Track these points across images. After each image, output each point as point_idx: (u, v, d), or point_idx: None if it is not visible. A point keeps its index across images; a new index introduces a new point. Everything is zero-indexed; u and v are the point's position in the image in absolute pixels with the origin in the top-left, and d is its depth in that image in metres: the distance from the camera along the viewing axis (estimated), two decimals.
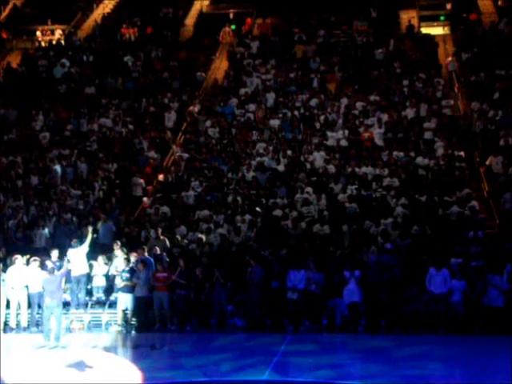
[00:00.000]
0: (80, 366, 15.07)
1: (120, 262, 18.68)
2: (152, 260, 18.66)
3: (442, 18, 34.60)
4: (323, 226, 19.92)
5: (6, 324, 18.40)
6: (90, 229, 19.19)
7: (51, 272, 17.17)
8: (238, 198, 21.68)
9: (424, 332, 16.90)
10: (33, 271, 18.10)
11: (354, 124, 25.38)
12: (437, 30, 33.79)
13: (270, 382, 13.93)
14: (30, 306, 18.38)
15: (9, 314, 18.42)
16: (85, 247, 18.76)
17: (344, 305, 17.39)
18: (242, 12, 35.79)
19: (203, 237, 19.67)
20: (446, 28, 33.88)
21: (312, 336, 17.25)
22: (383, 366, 14.67)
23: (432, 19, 34.65)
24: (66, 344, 16.79)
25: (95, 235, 19.99)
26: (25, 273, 18.23)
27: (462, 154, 23.37)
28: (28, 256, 18.54)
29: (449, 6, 35.15)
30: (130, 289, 18.09)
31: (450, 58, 29.58)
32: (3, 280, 18.21)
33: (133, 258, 18.66)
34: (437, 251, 17.96)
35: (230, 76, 30.16)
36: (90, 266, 19.00)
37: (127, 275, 18.12)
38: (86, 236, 19.00)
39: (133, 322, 18.22)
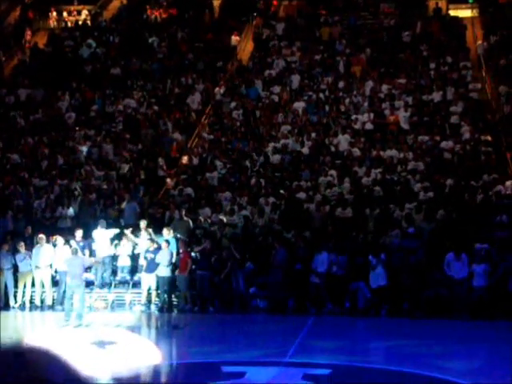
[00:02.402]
0: (101, 344, 15.20)
1: (144, 241, 18.76)
2: (174, 241, 18.73)
3: (470, 0, 34.17)
4: (345, 209, 19.84)
5: (31, 302, 18.62)
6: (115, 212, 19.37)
7: (74, 253, 17.32)
8: (261, 180, 21.67)
9: (447, 317, 16.82)
10: (59, 250, 18.25)
11: (380, 107, 25.21)
12: (465, 13, 33.38)
13: (291, 363, 13.96)
14: (56, 284, 18.57)
15: (34, 292, 18.62)
16: (110, 233, 18.87)
17: (366, 288, 17.36)
18: None
19: (224, 218, 19.71)
20: (474, 10, 33.45)
21: (334, 319, 17.25)
22: (406, 350, 14.64)
23: (460, 1, 34.23)
24: (89, 323, 16.93)
25: (120, 216, 20.21)
26: (49, 252, 18.41)
27: (489, 138, 23.13)
28: (53, 236, 18.73)
29: None
30: (153, 269, 18.17)
31: (480, 42, 29.24)
32: (25, 259, 18.43)
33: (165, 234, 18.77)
34: (458, 236, 17.83)
35: (255, 58, 30.07)
36: (115, 246, 19.12)
37: (151, 255, 18.20)
38: (110, 217, 19.12)
39: (156, 302, 18.33)
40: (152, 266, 18.12)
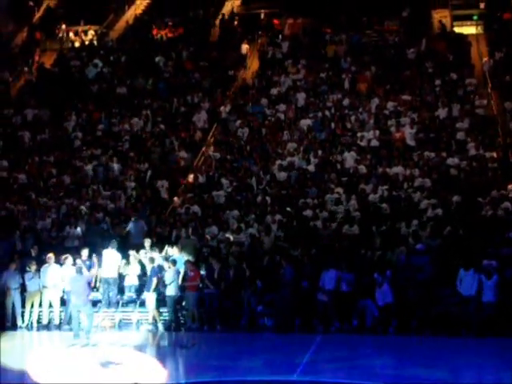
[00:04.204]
0: (108, 364, 15.16)
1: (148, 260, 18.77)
2: (182, 259, 18.71)
3: (475, 17, 34.28)
4: (352, 226, 19.81)
5: (38, 322, 18.60)
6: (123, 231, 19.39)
7: (79, 271, 17.30)
8: (267, 198, 21.67)
9: (455, 334, 16.72)
10: (66, 269, 18.25)
11: (386, 124, 25.25)
12: (470, 30, 33.48)
13: (299, 382, 13.90)
14: (64, 303, 18.54)
15: (41, 311, 18.61)
16: (118, 256, 18.86)
17: (373, 306, 17.29)
18: (272, 12, 35.79)
19: (230, 236, 19.69)
20: (479, 27, 33.54)
21: (342, 337, 17.17)
22: (414, 368, 14.56)
23: (465, 18, 34.36)
24: (96, 342, 16.90)
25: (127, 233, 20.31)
26: (57, 271, 18.40)
27: (495, 154, 23.12)
28: (61, 255, 18.73)
29: (482, 6, 34.78)
30: (158, 288, 18.12)
31: (485, 59, 29.32)
32: (33, 278, 18.43)
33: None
34: (465, 252, 17.78)
35: (260, 75, 30.18)
36: (124, 265, 19.06)
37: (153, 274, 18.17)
38: (118, 236, 19.11)
39: (163, 321, 18.28)
40: (151, 285, 18.06)
